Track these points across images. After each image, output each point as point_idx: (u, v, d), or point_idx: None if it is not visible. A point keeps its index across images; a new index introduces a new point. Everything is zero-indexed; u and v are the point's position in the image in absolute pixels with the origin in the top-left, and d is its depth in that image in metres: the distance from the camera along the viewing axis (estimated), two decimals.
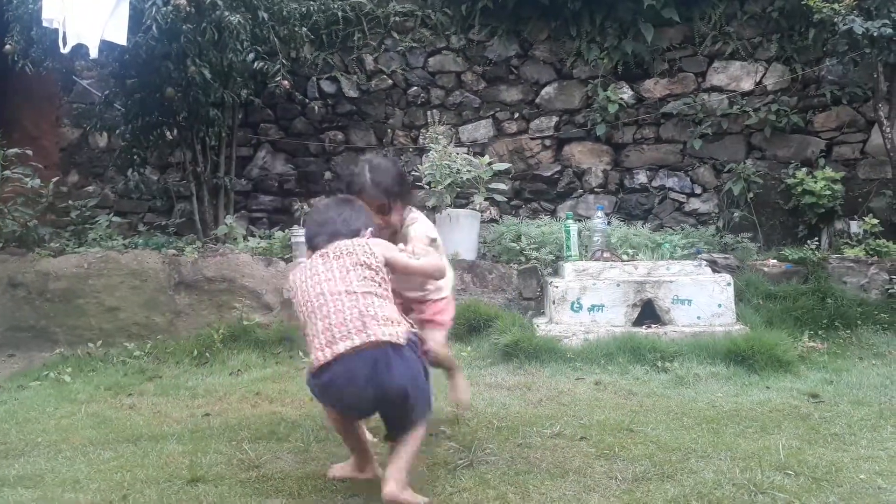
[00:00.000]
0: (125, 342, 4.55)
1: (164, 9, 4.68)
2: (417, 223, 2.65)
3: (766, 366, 3.74)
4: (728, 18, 6.39)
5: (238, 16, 5.02)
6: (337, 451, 2.55)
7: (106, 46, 4.70)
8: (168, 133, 6.02)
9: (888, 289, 4.81)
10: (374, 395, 2.00)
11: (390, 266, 2.21)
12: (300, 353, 4.31)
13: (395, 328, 2.05)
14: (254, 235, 5.80)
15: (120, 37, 4.41)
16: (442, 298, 2.73)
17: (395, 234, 2.58)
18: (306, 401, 3.36)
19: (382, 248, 2.24)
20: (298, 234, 5.20)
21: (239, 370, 4.09)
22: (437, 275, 2.42)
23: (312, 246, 2.28)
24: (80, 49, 4.58)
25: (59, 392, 3.73)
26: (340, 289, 2.08)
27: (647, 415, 3.00)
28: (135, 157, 6.09)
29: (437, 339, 2.61)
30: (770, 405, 3.15)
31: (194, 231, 5.94)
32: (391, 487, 1.97)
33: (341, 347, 1.98)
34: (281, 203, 6.92)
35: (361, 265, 2.14)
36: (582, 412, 3.05)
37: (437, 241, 2.64)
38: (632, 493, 2.09)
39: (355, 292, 2.07)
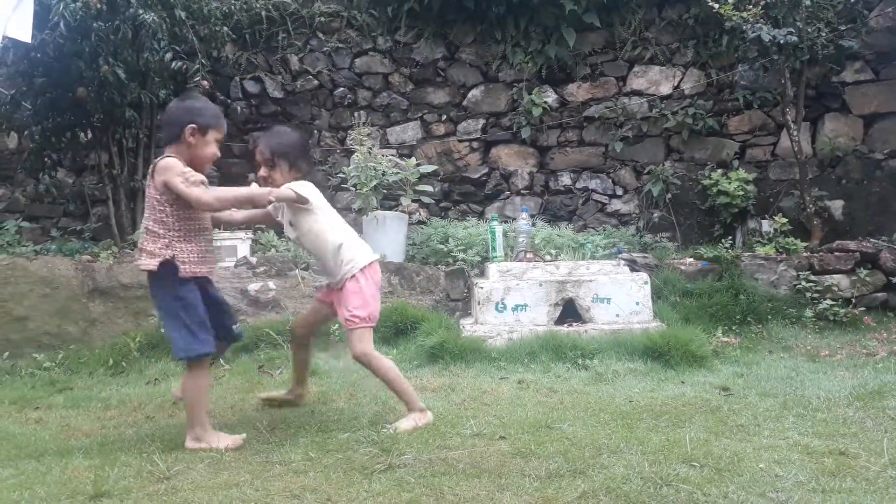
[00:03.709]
0: (34, 353, 4.34)
1: (73, 5, 4.51)
2: (295, 184, 2.86)
3: (682, 361, 3.88)
4: (647, 24, 6.59)
5: (153, 14, 4.87)
6: (253, 460, 2.51)
7: (12, 44, 4.49)
8: (82, 134, 5.78)
9: (796, 285, 5.05)
10: None
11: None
12: (221, 361, 4.21)
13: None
14: None
15: (24, 34, 4.20)
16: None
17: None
18: (225, 409, 3.30)
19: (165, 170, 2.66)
20: (219, 238, 5.09)
21: (157, 379, 3.96)
22: (203, 206, 2.68)
23: None
24: None
25: None
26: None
27: (566, 412, 3.05)
28: (46, 159, 5.83)
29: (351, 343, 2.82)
30: (683, 399, 3.26)
31: (111, 236, 5.73)
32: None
33: None
34: None
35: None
36: (503, 411, 3.08)
37: (309, 202, 2.85)
38: (543, 490, 2.12)
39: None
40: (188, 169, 2.67)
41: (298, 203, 2.84)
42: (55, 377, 4.04)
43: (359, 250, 2.91)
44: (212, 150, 2.79)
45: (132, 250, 5.16)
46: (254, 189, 2.81)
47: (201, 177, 2.68)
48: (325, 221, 2.90)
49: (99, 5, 4.52)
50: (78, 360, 4.26)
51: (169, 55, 5.24)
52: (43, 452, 2.73)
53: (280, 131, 3.06)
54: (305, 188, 2.85)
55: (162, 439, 2.81)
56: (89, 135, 5.74)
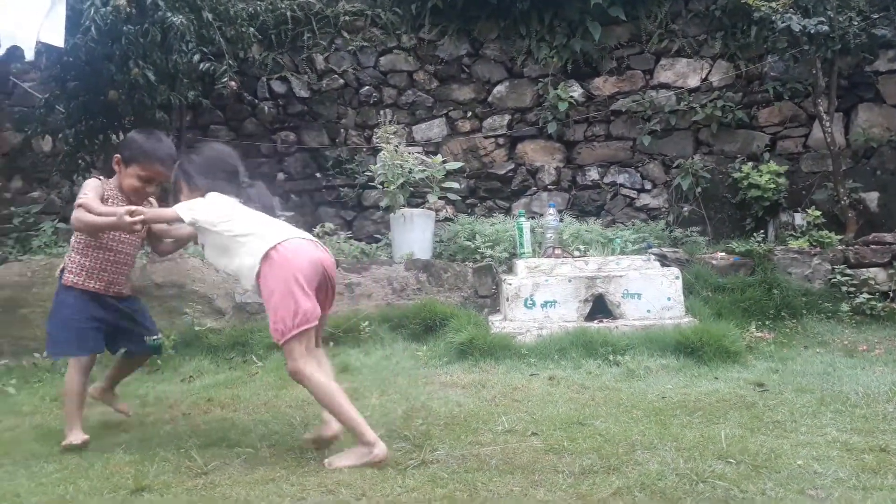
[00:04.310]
0: None
1: (104, 9, 4.57)
2: (191, 201, 2.68)
3: (715, 357, 3.83)
4: (673, 16, 6.52)
5: (181, 16, 4.92)
6: (288, 455, 2.54)
7: (45, 48, 4.58)
8: (114, 136, 5.87)
9: (831, 279, 4.96)
10: None
11: None
12: (254, 358, 4.27)
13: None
14: None
15: (57, 38, 4.27)
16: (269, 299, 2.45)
17: None
18: (259, 406, 3.33)
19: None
20: None
21: (191, 376, 4.02)
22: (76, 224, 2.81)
23: None
24: (15, 51, 4.44)
25: (3, 404, 3.63)
26: None
27: (598, 408, 3.04)
28: (80, 161, 5.93)
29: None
30: (717, 395, 3.22)
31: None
32: None
33: None
34: None
35: None
36: (534, 407, 3.07)
37: (193, 219, 2.59)
38: (577, 486, 2.11)
39: None
40: (91, 191, 2.82)
41: (171, 222, 2.79)
42: (93, 374, 4.08)
43: (262, 239, 2.46)
44: (130, 182, 2.90)
45: None
46: (118, 214, 2.68)
47: (85, 199, 2.78)
48: (230, 232, 2.54)
49: (129, 9, 4.59)
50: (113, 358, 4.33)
51: (197, 57, 5.29)
52: (83, 448, 2.79)
53: (192, 151, 2.97)
54: (199, 203, 2.63)
55: (198, 435, 2.85)
56: (121, 136, 5.82)
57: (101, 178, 2.99)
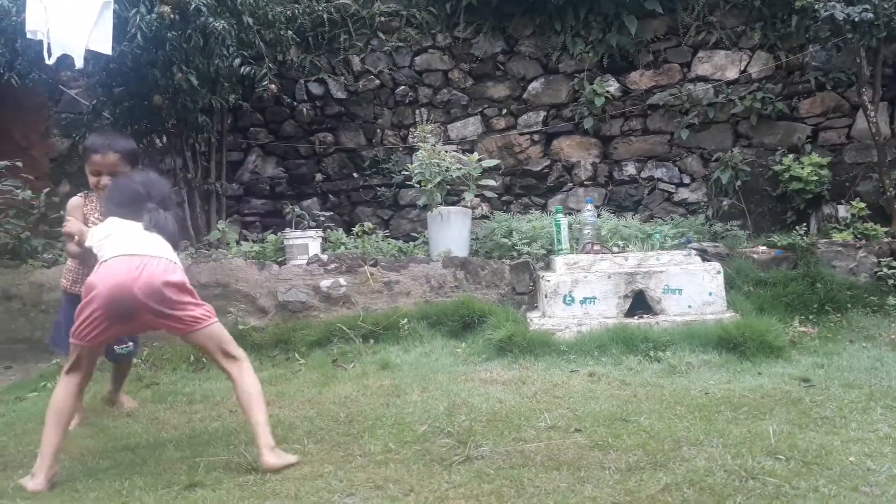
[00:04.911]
0: None
1: (149, 17, 4.69)
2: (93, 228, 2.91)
3: (758, 352, 3.77)
4: (711, 8, 6.43)
5: (223, 21, 5.02)
6: (335, 451, 2.58)
7: (91, 56, 4.69)
8: (158, 140, 6.02)
9: (877, 272, 4.85)
10: None
11: None
12: (296, 356, 4.34)
13: None
14: (247, 240, 5.81)
15: (105, 46, 4.40)
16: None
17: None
18: (304, 402, 3.39)
19: None
20: (291, 237, 5.23)
21: None
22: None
23: None
24: (65, 59, 4.57)
25: None
26: None
27: (641, 404, 3.03)
28: None
29: None
30: (762, 391, 3.18)
31: (187, 237, 5.93)
32: None
33: None
34: (273, 206, 6.93)
35: None
36: (576, 404, 3.07)
37: (88, 244, 2.79)
38: (624, 482, 2.11)
39: None
40: (71, 216, 3.10)
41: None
42: (141, 373, 4.23)
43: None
44: (90, 179, 3.16)
45: (208, 250, 5.35)
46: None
47: (66, 228, 3.03)
48: (100, 253, 2.68)
49: (172, 15, 4.70)
50: (161, 357, 4.44)
51: (238, 61, 5.39)
52: (136, 444, 2.88)
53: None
54: (94, 229, 2.85)
55: (246, 432, 2.89)
56: (164, 140, 5.97)
57: (84, 193, 3.25)
